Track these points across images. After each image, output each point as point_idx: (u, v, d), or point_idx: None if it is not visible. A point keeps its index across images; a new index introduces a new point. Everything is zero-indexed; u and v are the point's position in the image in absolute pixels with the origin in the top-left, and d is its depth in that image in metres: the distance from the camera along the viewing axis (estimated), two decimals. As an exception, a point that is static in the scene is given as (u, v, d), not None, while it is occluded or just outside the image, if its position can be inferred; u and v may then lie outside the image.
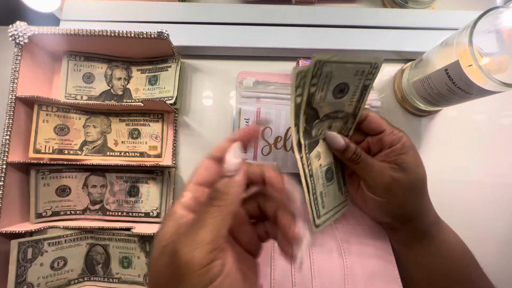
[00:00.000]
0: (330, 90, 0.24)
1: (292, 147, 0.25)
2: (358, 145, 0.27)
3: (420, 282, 0.28)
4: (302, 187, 0.24)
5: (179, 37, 0.35)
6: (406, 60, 0.37)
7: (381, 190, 0.25)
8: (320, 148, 0.26)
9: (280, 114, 0.30)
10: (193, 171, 0.20)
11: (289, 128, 0.31)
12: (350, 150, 0.26)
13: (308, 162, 0.25)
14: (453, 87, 0.28)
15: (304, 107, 0.23)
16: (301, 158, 0.24)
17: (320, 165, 0.26)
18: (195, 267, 0.15)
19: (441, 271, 0.27)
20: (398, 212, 0.26)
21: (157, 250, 0.17)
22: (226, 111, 0.37)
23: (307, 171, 0.24)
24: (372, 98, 0.31)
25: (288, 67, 0.38)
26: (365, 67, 0.24)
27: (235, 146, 0.18)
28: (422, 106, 0.34)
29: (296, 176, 0.32)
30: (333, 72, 0.23)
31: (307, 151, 0.25)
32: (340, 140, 0.26)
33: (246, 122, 0.29)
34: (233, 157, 0.18)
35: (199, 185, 0.19)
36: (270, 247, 0.28)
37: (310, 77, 0.22)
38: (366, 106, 0.28)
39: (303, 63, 0.34)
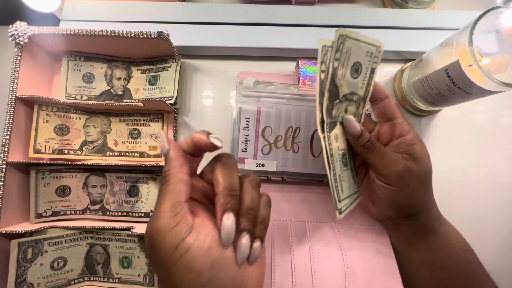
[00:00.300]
0: (348, 68, 0.24)
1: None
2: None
3: (423, 279, 0.28)
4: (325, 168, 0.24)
5: (179, 37, 0.35)
6: (406, 60, 0.38)
7: (394, 178, 0.25)
8: (337, 130, 0.26)
9: (280, 113, 0.30)
10: None
11: (289, 127, 0.31)
12: (365, 137, 0.26)
13: (329, 141, 0.25)
14: (453, 87, 0.28)
15: (328, 83, 0.23)
16: (324, 137, 0.24)
17: (338, 147, 0.26)
18: (162, 233, 0.18)
19: (444, 268, 0.27)
20: (407, 203, 0.26)
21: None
22: (226, 111, 0.37)
23: (328, 150, 0.24)
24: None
25: (288, 67, 0.38)
26: (372, 49, 0.24)
27: (162, 133, 0.23)
28: (422, 106, 0.34)
29: (295, 176, 0.32)
30: (352, 49, 0.23)
31: (328, 129, 0.25)
32: (357, 125, 0.26)
33: (247, 121, 0.29)
34: (164, 142, 0.21)
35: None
36: (270, 247, 0.28)
37: (334, 51, 0.22)
38: (367, 107, 0.28)
39: (303, 63, 0.34)
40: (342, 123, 0.26)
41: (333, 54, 0.22)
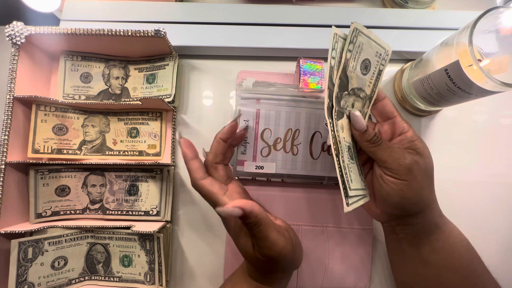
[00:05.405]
0: (359, 63, 0.25)
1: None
2: None
3: (427, 280, 0.28)
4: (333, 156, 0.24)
5: (178, 37, 0.35)
6: (406, 60, 0.37)
7: (403, 172, 0.25)
8: (344, 121, 0.26)
9: (280, 115, 0.30)
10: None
11: (289, 129, 0.31)
12: (370, 132, 0.26)
13: (336, 128, 0.24)
14: (453, 87, 0.28)
15: (340, 71, 0.23)
16: (331, 122, 0.24)
17: (344, 138, 0.26)
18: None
19: (448, 267, 0.27)
20: (414, 198, 0.26)
21: None
22: (225, 109, 0.37)
23: (336, 135, 0.24)
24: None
25: (288, 67, 0.37)
26: (381, 50, 0.25)
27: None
28: (422, 106, 0.34)
29: (295, 177, 0.32)
30: (363, 45, 0.24)
31: (336, 117, 0.24)
32: (363, 120, 0.26)
33: (246, 123, 0.29)
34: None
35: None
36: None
37: (348, 43, 0.23)
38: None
39: (304, 61, 0.34)
40: (348, 117, 0.26)
41: (347, 45, 0.23)
